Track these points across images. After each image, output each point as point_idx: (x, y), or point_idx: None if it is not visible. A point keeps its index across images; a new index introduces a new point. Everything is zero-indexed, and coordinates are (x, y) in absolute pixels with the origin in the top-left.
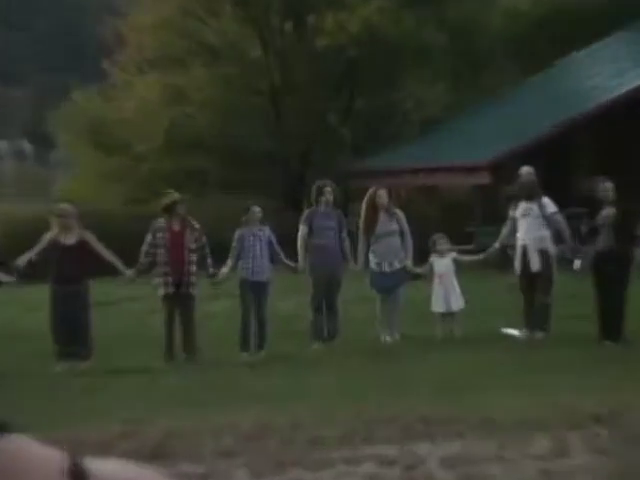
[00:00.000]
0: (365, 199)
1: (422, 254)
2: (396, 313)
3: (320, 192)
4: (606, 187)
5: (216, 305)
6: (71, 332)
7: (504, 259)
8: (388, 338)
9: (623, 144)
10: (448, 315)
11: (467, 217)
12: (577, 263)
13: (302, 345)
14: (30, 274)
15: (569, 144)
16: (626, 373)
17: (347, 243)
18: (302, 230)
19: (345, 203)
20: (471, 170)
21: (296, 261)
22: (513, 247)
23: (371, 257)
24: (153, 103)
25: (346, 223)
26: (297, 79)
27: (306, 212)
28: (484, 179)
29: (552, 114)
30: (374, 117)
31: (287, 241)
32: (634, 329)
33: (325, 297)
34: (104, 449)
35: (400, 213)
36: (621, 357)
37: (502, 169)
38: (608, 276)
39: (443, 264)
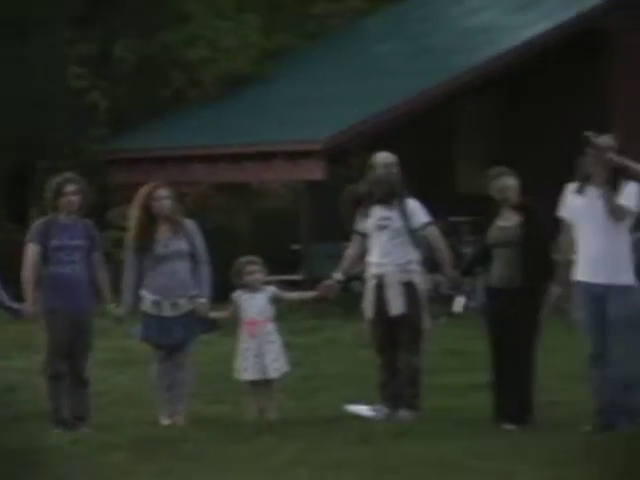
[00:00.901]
0: (135, 202)
1: (224, 288)
2: (182, 383)
3: (60, 192)
4: (505, 184)
5: None
6: None
7: (349, 297)
8: (166, 421)
9: (533, 115)
10: (262, 385)
11: (292, 230)
12: (459, 302)
13: (32, 434)
14: None
15: (449, 117)
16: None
17: (103, 272)
18: (31, 252)
19: (101, 209)
20: (296, 157)
21: (22, 301)
22: (362, 278)
23: (144, 293)
24: None
25: (102, 240)
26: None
27: (37, 224)
28: (316, 172)
29: (422, 68)
30: (144, 72)
31: (7, 270)
32: (554, 400)
33: (68, 357)
34: None
35: (190, 224)
36: (530, 450)
37: (344, 156)
38: (506, 323)
39: (255, 305)
